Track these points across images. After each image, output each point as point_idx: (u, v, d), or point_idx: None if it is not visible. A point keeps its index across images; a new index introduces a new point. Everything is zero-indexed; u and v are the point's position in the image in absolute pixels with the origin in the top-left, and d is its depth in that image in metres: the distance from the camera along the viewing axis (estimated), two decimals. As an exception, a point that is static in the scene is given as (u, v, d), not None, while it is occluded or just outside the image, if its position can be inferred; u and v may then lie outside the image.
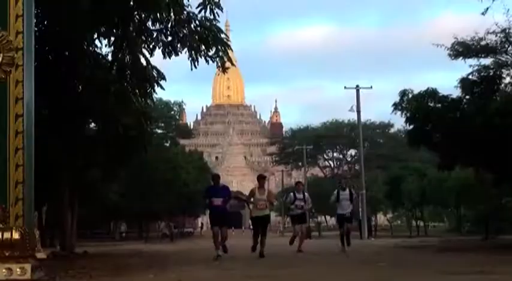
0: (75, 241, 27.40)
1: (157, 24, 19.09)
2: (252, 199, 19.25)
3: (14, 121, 11.22)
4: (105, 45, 20.24)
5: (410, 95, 26.22)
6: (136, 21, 18.82)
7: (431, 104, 25.78)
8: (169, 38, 19.16)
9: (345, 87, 58.06)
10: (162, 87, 20.92)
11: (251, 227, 73.13)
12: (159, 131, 54.53)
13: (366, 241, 43.31)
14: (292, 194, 22.99)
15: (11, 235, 11.06)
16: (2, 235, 11.00)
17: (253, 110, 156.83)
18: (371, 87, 59.29)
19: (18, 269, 10.90)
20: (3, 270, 10.76)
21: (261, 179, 20.47)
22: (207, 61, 19.51)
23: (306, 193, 24.11)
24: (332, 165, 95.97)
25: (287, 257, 17.55)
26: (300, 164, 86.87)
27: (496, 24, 25.97)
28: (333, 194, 23.46)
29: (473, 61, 26.62)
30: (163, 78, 20.37)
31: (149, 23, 19.09)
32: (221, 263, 15.54)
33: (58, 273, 12.12)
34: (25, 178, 11.39)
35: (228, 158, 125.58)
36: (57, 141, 19.32)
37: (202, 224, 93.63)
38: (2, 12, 11.65)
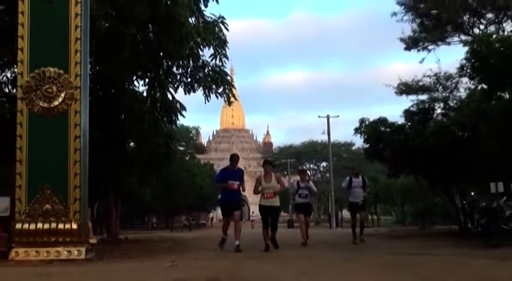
0: (118, 230, 27.24)
1: (180, 69, 19.09)
2: (259, 189, 14.23)
3: (74, 141, 11.27)
4: (141, 85, 20.25)
5: (367, 122, 26.15)
6: (165, 67, 18.80)
7: (383, 129, 25.72)
8: (189, 79, 19.16)
9: (319, 116, 58.80)
10: (183, 116, 20.85)
11: (251, 219, 71.93)
12: (181, 148, 54.23)
13: (335, 230, 43.12)
14: (295, 183, 18.20)
15: (71, 225, 11.07)
16: (64, 226, 11.01)
17: (251, 133, 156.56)
18: (338, 116, 60.40)
19: (75, 251, 10.89)
20: (65, 252, 10.75)
21: (267, 164, 14.93)
22: (216, 97, 19.52)
23: (310, 181, 18.77)
24: (309, 174, 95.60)
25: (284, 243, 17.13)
26: (286, 173, 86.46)
27: (430, 70, 26.12)
28: (345, 180, 18.41)
29: (413, 97, 26.66)
30: (184, 109, 20.30)
31: (174, 69, 19.10)
32: (226, 248, 13.79)
33: (105, 254, 12.05)
34: (81, 183, 11.41)
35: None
36: (105, 156, 19.23)
37: (212, 217, 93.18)
38: (65, 60, 11.68)
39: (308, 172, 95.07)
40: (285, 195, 16.70)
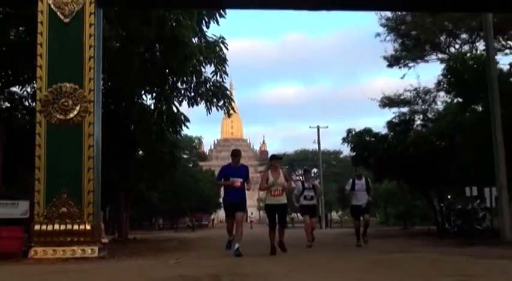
0: (128, 230, 27.21)
1: (184, 84, 19.09)
2: (266, 185, 12.02)
3: (87, 149, 11.25)
4: (149, 99, 20.22)
5: (353, 132, 26.23)
6: (170, 82, 18.79)
7: (368, 138, 25.80)
8: (192, 94, 19.13)
9: (310, 127, 58.77)
10: (187, 127, 20.77)
11: (249, 220, 71.14)
12: (185, 156, 54.05)
13: (325, 230, 43.09)
14: (300, 183, 15.89)
15: (85, 226, 11.05)
16: (79, 227, 10.98)
17: (248, 142, 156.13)
18: (327, 127, 60.16)
19: (89, 250, 10.86)
20: (79, 250, 10.71)
21: (275, 159, 12.38)
22: (217, 109, 19.50)
23: (315, 182, 16.71)
24: (301, 179, 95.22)
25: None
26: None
27: (411, 85, 26.34)
28: (348, 183, 16.05)
29: (395, 109, 26.90)
30: (188, 120, 20.26)
31: (179, 84, 19.10)
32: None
33: (116, 253, 12.01)
34: (94, 188, 11.39)
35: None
36: (116, 163, 19.18)
37: (213, 219, 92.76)
38: (80, 76, 11.67)
39: (300, 177, 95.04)
40: (288, 197, 14.45)
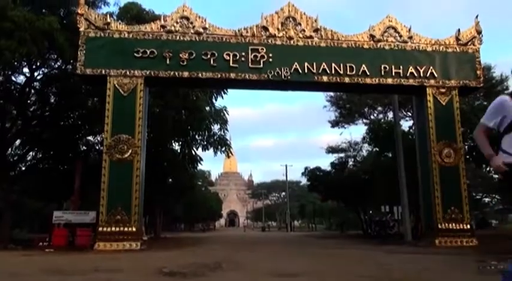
0: (160, 231, 26.71)
1: (200, 136, 19.14)
2: None
3: (135, 178, 11.14)
4: (177, 145, 20.22)
5: (309, 169, 26.28)
6: (191, 135, 18.85)
7: (318, 173, 25.84)
8: (205, 143, 19.18)
9: (280, 165, 59.03)
10: (201, 164, 20.77)
11: (243, 224, 69.47)
12: (199, 183, 53.56)
13: (290, 233, 42.50)
14: (506, 103, 2.25)
15: (132, 229, 10.88)
16: (128, 229, 10.81)
17: (240, 174, 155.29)
18: (292, 165, 61.78)
19: (134, 244, 10.68)
20: (128, 245, 10.52)
21: None
22: (221, 153, 19.55)
23: None
24: (274, 200, 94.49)
25: (261, 239, 16.44)
26: (260, 198, 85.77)
27: (345, 139, 26.72)
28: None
29: (336, 154, 26.98)
30: (202, 160, 20.25)
31: (196, 136, 19.15)
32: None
33: (152, 246, 11.84)
34: (139, 203, 11.23)
35: (229, 196, 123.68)
36: (154, 187, 19.00)
37: (215, 224, 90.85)
38: (132, 130, 11.65)
39: (274, 198, 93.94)
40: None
